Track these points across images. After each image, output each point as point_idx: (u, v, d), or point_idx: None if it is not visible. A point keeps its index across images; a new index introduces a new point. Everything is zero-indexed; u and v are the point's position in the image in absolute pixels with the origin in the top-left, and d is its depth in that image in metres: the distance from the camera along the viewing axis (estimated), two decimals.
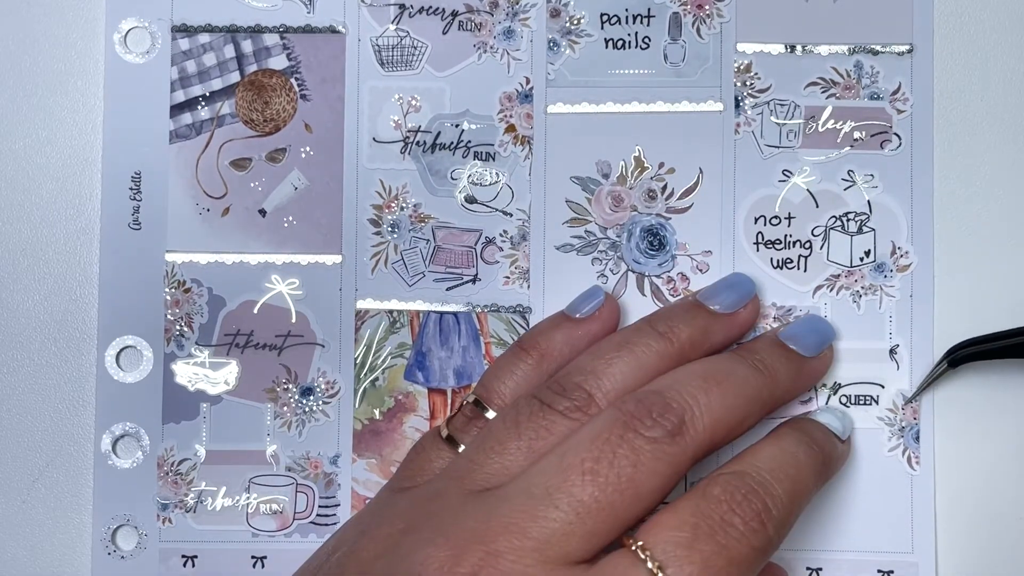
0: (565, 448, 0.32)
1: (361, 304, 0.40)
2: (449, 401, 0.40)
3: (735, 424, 0.34)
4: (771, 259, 0.40)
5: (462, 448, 0.35)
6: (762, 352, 0.37)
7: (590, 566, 0.31)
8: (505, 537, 0.31)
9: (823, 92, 0.40)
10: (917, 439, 0.39)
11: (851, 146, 0.40)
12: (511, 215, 0.40)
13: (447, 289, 0.40)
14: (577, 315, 0.38)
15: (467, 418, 0.36)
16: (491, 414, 0.36)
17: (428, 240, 0.40)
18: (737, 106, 0.40)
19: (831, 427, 0.37)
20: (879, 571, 0.39)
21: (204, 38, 0.40)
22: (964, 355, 0.38)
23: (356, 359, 0.40)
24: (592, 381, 0.34)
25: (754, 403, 0.35)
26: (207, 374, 0.40)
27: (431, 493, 0.34)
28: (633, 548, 0.31)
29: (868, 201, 0.40)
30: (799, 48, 0.40)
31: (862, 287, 0.39)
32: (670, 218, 0.40)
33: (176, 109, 0.40)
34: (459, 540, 0.31)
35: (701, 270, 0.40)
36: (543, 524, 0.31)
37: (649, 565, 0.30)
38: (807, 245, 0.40)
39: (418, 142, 0.40)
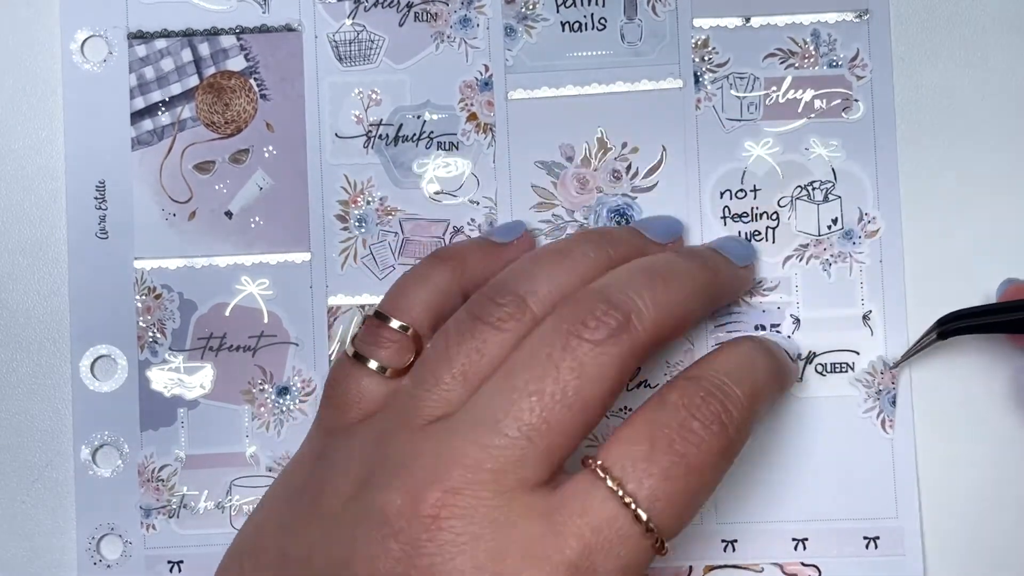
0: (508, 369, 0.31)
1: (332, 300, 0.40)
2: None
3: (681, 318, 0.33)
4: (739, 232, 0.40)
5: (373, 365, 0.34)
6: (700, 251, 0.37)
7: (552, 490, 0.30)
8: (460, 472, 0.30)
9: (781, 63, 0.40)
10: (894, 403, 0.39)
11: (813, 115, 0.40)
12: (478, 203, 0.40)
13: None
14: (495, 238, 0.38)
15: (372, 332, 0.35)
16: (395, 323, 0.35)
17: (396, 233, 0.40)
18: (697, 82, 0.40)
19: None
20: (864, 537, 0.39)
21: (161, 43, 0.40)
22: (955, 328, 0.37)
23: (330, 356, 0.40)
24: (525, 284, 0.33)
25: (700, 296, 0.34)
26: (182, 379, 0.40)
27: (378, 434, 0.33)
28: (594, 468, 0.30)
29: (832, 169, 0.40)
30: (755, 20, 0.40)
31: (831, 255, 0.39)
32: (636, 197, 0.40)
33: (137, 116, 0.40)
34: (416, 482, 0.30)
35: None
36: (495, 454, 0.30)
37: (609, 484, 0.30)
38: (774, 216, 0.40)
39: (381, 135, 0.40)
